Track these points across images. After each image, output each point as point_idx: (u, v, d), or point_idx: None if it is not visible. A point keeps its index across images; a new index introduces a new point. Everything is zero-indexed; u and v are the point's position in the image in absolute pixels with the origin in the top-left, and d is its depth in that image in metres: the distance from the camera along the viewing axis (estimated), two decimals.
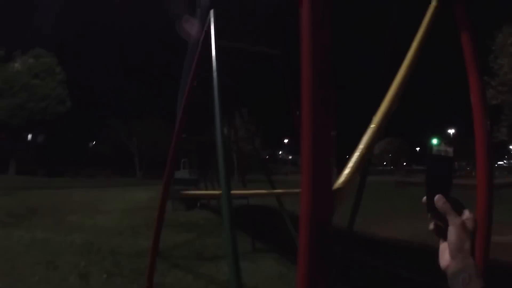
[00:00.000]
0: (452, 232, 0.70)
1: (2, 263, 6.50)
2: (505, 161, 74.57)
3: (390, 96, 1.91)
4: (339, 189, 1.40)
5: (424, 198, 0.77)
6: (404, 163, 72.83)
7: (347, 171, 1.50)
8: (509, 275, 5.73)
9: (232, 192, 6.01)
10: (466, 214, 0.73)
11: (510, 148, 50.90)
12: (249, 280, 6.09)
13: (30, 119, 41.41)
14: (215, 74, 3.50)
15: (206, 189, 17.58)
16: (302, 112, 1.28)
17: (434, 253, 0.76)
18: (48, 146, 53.95)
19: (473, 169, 58.77)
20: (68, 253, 7.48)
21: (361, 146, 1.63)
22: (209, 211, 15.05)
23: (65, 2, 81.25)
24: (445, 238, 0.73)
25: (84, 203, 17.09)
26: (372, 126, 1.71)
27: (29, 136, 54.36)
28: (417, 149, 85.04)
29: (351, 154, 1.56)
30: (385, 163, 72.96)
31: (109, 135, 54.37)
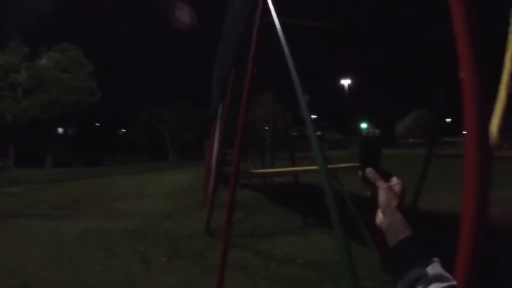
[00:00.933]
0: (380, 195, 0.86)
1: (60, 255, 6.61)
2: None
3: None
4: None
5: (360, 172, 0.93)
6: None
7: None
8: None
9: (295, 168, 6.02)
10: (393, 180, 0.89)
11: None
12: (307, 254, 6.23)
13: (63, 113, 42.62)
14: (288, 54, 3.45)
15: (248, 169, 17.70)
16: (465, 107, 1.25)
17: None
18: (81, 137, 55.88)
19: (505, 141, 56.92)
20: (124, 239, 7.65)
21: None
22: (250, 190, 15.20)
23: None
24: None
25: (126, 189, 17.53)
26: None
27: (60, 130, 56.42)
28: (448, 120, 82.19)
29: None
30: (415, 135, 71.19)
31: (141, 122, 55.67)
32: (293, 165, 9.05)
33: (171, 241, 7.40)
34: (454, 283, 0.67)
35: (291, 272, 5.44)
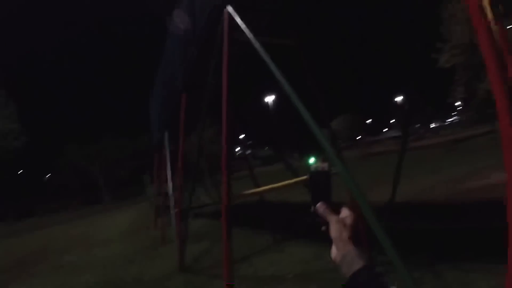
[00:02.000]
0: (331, 228, 0.85)
1: None
2: (456, 117, 79.26)
3: None
4: None
5: (312, 208, 0.93)
6: (358, 137, 75.96)
7: None
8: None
9: (256, 190, 5.89)
10: (344, 212, 0.89)
11: (456, 105, 54.33)
12: (292, 268, 6.13)
13: None
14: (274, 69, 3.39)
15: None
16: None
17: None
18: (9, 187, 50.65)
19: (426, 131, 63.48)
20: None
21: None
22: (204, 218, 14.71)
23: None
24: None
25: (72, 239, 16.15)
26: None
27: None
28: (368, 121, 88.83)
29: None
30: (340, 141, 76.27)
31: (68, 163, 52.02)
32: (256, 185, 8.96)
33: (143, 287, 6.81)
34: None
35: None
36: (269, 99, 54.66)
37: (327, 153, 2.87)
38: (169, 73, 8.82)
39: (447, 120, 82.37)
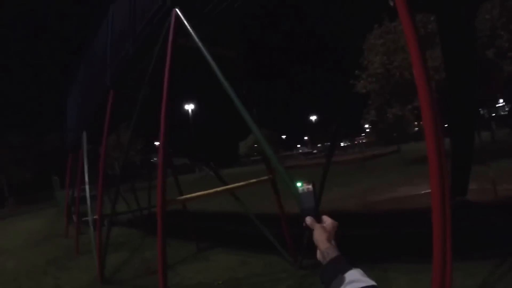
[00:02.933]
0: (315, 234, 1.07)
1: None
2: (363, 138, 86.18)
3: None
4: None
5: (304, 223, 1.13)
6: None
7: None
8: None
9: (192, 195, 5.79)
10: (325, 220, 1.12)
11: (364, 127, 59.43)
12: (219, 275, 6.12)
13: None
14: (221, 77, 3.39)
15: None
16: None
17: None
18: None
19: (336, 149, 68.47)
20: None
21: None
22: (119, 227, 13.75)
23: None
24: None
25: None
26: None
27: None
28: (283, 137, 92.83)
29: None
30: (255, 153, 78.34)
31: None
32: (180, 192, 8.80)
33: None
34: (373, 283, 0.84)
35: None
36: (189, 107, 54.25)
37: (266, 151, 2.98)
38: (96, 68, 8.27)
39: (356, 140, 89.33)
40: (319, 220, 1.12)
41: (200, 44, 3.91)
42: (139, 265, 7.76)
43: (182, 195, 8.09)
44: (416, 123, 34.37)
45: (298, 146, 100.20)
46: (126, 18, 6.23)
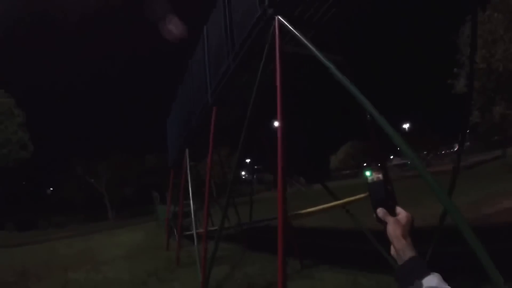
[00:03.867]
0: (388, 228, 1.00)
1: None
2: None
3: None
4: None
5: (374, 214, 1.06)
6: (365, 164, 75.32)
7: None
8: None
9: (311, 210, 5.52)
10: (400, 212, 1.03)
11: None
12: None
13: None
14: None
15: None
16: None
17: None
18: (11, 197, 49.99)
19: (433, 158, 62.94)
20: None
21: None
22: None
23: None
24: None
25: (77, 255, 15.53)
26: None
27: None
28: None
29: None
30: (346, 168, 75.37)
31: (73, 178, 51.53)
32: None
33: None
34: None
35: None
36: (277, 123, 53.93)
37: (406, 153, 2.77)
38: (196, 86, 8.60)
39: (454, 147, 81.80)
40: (392, 213, 1.04)
41: (313, 48, 3.67)
42: (241, 280, 7.69)
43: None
44: None
45: (391, 157, 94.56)
46: (223, 35, 6.33)
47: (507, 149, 29.42)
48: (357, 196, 5.32)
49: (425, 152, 65.24)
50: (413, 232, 0.98)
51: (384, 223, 1.03)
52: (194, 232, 8.93)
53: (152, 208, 31.64)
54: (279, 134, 3.96)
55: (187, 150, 9.94)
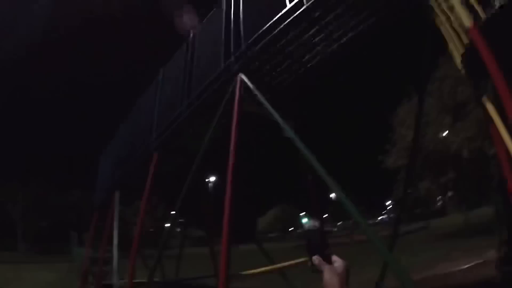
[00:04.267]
0: (325, 276, 0.98)
1: None
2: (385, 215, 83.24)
3: None
4: None
5: (309, 262, 1.05)
6: (291, 229, 76.32)
7: None
8: None
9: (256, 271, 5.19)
10: (336, 260, 1.03)
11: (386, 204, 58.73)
12: None
13: None
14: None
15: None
16: None
17: None
18: None
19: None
20: None
21: None
22: None
23: None
24: None
25: None
26: None
27: None
28: (301, 214, 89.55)
29: None
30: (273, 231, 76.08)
31: None
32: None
33: None
34: None
35: None
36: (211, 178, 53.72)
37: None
38: (140, 128, 8.17)
39: (378, 218, 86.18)
40: (328, 260, 1.03)
41: (271, 109, 3.66)
42: None
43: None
44: (440, 197, 33.44)
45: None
46: (180, 81, 6.19)
47: (431, 220, 32.16)
48: (299, 260, 5.17)
49: (351, 221, 67.49)
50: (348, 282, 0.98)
51: (319, 271, 1.01)
52: (115, 282, 8.01)
53: (68, 249, 28.73)
54: (228, 189, 3.77)
55: (117, 193, 9.18)
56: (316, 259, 1.02)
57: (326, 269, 0.99)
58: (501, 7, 2.37)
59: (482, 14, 2.39)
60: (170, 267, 10.49)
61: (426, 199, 27.84)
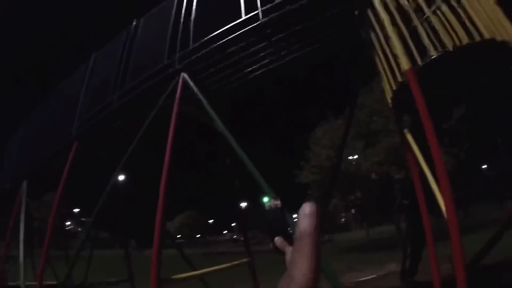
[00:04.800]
0: (287, 257, 0.91)
1: None
2: None
3: None
4: None
5: (270, 244, 0.99)
6: (198, 235, 75.91)
7: None
8: None
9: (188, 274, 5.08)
10: (304, 207, 0.98)
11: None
12: None
13: None
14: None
15: None
16: None
17: None
18: None
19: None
20: None
21: None
22: None
23: None
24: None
25: None
26: None
27: None
28: (210, 221, 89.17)
29: None
30: (179, 235, 74.90)
31: None
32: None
33: None
34: None
35: None
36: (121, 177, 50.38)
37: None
38: (61, 112, 7.54)
39: None
40: (290, 242, 0.94)
41: (213, 113, 3.70)
42: None
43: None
44: (343, 214, 36.06)
45: (225, 232, 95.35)
46: (114, 70, 5.88)
47: (334, 234, 33.96)
48: (238, 262, 5.35)
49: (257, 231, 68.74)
50: None
51: (282, 253, 0.95)
52: (21, 283, 7.10)
53: None
54: (161, 191, 3.68)
55: (25, 183, 8.34)
56: (278, 240, 0.97)
57: (289, 251, 0.94)
58: (434, 59, 2.83)
59: (419, 61, 2.80)
60: (78, 270, 9.73)
61: (332, 215, 29.61)
